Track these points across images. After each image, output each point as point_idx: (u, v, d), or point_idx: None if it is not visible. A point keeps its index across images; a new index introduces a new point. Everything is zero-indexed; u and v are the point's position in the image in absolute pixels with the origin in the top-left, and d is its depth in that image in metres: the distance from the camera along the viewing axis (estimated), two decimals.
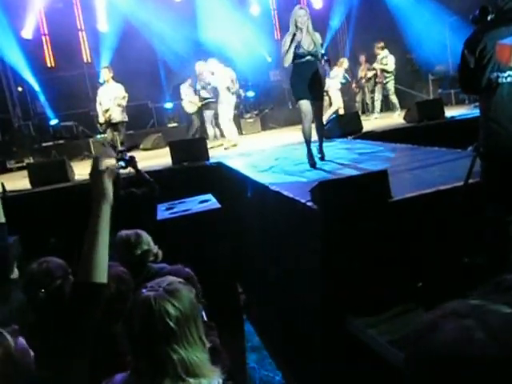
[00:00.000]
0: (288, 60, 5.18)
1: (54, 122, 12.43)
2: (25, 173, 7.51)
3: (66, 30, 12.51)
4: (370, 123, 9.61)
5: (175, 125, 12.87)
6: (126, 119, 9.02)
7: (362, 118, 9.17)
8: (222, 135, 9.56)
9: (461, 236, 3.10)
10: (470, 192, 3.14)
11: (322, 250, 3.16)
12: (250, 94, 13.01)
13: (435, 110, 8.37)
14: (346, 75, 11.39)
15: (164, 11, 12.18)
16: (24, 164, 9.69)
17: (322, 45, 5.37)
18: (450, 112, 8.75)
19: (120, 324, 1.75)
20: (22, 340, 1.26)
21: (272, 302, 4.79)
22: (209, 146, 7.99)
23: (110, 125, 8.85)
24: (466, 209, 3.09)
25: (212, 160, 7.31)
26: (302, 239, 3.66)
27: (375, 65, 10.94)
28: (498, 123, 2.91)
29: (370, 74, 11.42)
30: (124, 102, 8.80)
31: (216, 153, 8.21)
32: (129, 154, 5.50)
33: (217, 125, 9.78)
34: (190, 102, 10.31)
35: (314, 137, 5.61)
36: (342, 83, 11.07)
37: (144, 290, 1.44)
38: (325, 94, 8.84)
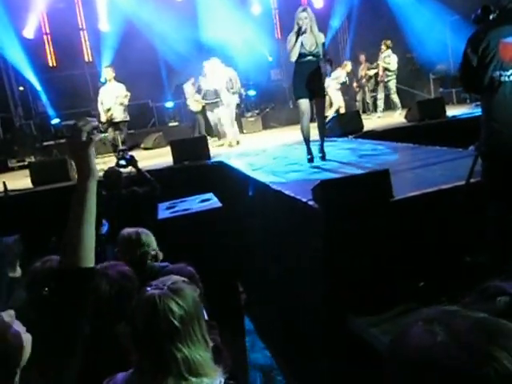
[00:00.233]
0: (295, 55, 5.25)
1: (55, 121, 12.45)
2: (26, 172, 7.52)
3: (67, 29, 12.53)
4: (370, 122, 9.61)
5: (176, 124, 12.89)
6: (128, 118, 9.02)
7: (363, 117, 9.17)
8: (224, 135, 9.57)
9: (462, 235, 3.10)
10: (471, 191, 3.13)
11: (324, 249, 3.16)
12: (251, 93, 13.03)
13: (436, 109, 8.36)
14: (347, 78, 11.45)
15: (165, 11, 12.19)
16: (25, 163, 9.71)
17: (324, 44, 5.39)
18: (451, 111, 8.74)
19: (124, 322, 1.75)
20: (17, 324, 1.17)
21: (273, 301, 4.79)
22: (210, 145, 8.00)
23: (112, 124, 8.85)
24: (468, 208, 3.08)
25: (213, 159, 7.31)
26: (303, 238, 3.65)
27: (379, 62, 10.93)
28: (500, 122, 2.90)
29: (372, 72, 11.44)
30: (126, 101, 8.80)
31: (217, 152, 8.21)
32: (129, 154, 5.52)
33: (219, 125, 9.80)
34: (195, 101, 10.32)
35: (315, 136, 5.62)
36: (341, 84, 11.13)
37: (148, 289, 1.44)
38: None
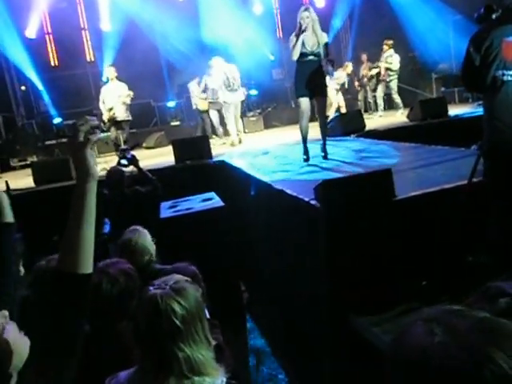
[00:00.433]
0: (296, 53, 5.27)
1: (57, 120, 12.47)
2: (28, 171, 7.53)
3: (69, 29, 12.54)
4: (372, 121, 9.60)
5: (178, 123, 12.90)
6: (130, 118, 9.03)
7: (365, 116, 9.15)
8: (227, 134, 9.56)
9: (465, 235, 3.09)
10: (473, 191, 3.13)
11: (326, 248, 3.16)
12: (253, 92, 13.03)
13: (438, 108, 8.35)
14: (347, 80, 11.46)
15: (167, 10, 12.20)
16: (27, 162, 9.73)
17: (327, 44, 5.39)
18: (454, 110, 8.72)
19: (126, 321, 1.75)
20: (12, 326, 1.14)
21: (275, 300, 4.79)
22: (213, 144, 8.00)
23: (114, 123, 8.86)
24: (470, 207, 3.07)
25: (215, 158, 7.31)
26: (305, 238, 3.65)
27: (380, 63, 10.92)
28: (503, 121, 2.89)
29: (374, 71, 11.43)
30: (129, 100, 8.81)
31: (219, 151, 8.22)
32: (131, 153, 5.53)
33: (222, 124, 9.79)
34: (201, 100, 10.27)
35: (317, 135, 5.61)
36: (340, 85, 11.14)
37: (151, 288, 1.44)
38: None
